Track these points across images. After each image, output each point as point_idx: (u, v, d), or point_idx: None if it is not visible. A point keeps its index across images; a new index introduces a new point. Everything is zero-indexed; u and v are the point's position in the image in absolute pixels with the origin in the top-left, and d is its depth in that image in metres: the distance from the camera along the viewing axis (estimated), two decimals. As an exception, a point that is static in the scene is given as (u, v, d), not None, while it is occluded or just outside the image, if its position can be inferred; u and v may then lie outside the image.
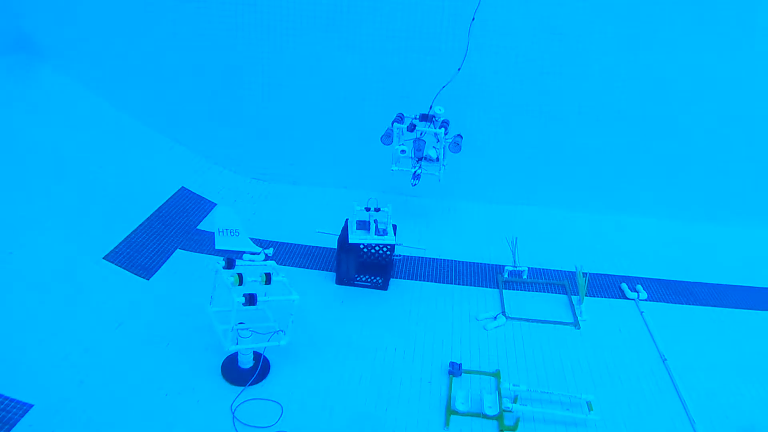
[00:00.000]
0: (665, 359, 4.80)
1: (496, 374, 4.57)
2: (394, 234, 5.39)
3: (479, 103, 6.46)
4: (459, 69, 5.60)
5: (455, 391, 4.37)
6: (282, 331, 4.35)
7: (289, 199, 6.98)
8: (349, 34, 6.33)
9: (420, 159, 5.63)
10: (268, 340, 4.30)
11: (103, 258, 5.38)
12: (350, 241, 5.24)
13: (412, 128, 5.47)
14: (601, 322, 5.29)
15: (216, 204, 6.68)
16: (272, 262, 4.46)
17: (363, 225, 5.38)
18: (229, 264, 4.19)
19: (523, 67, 6.24)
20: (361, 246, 5.48)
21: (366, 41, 6.34)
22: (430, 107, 5.52)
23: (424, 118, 5.52)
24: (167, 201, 6.44)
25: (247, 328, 4.29)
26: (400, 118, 5.56)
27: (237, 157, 7.17)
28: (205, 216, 6.50)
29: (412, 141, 5.63)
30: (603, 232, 6.62)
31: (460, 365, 4.57)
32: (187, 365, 4.45)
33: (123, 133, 6.85)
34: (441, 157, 5.66)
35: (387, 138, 5.59)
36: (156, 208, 6.26)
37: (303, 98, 6.78)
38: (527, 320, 5.23)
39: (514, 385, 4.31)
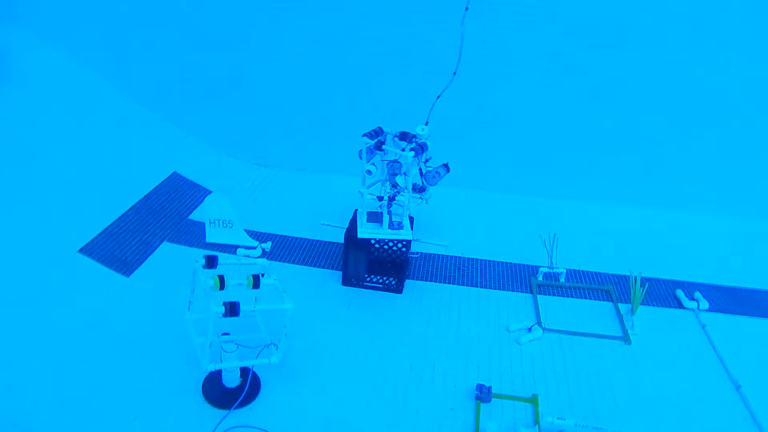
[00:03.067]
0: (740, 386, 3.96)
1: (534, 400, 3.79)
2: (411, 227, 4.62)
3: (512, 80, 5.69)
4: (455, 73, 4.70)
5: (484, 421, 3.62)
6: (274, 344, 3.61)
7: (291, 186, 6.34)
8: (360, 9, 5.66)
9: (394, 186, 4.46)
10: (256, 357, 3.56)
11: (79, 251, 4.76)
12: (359, 235, 4.50)
13: (379, 146, 4.48)
14: (656, 337, 4.49)
15: (211, 192, 6.05)
16: (263, 260, 3.71)
17: (374, 217, 4.64)
18: (210, 263, 3.45)
19: (567, 40, 5.42)
20: (372, 241, 4.71)
21: (379, 17, 5.66)
22: (426, 122, 4.55)
23: (404, 137, 4.57)
24: (156, 187, 5.84)
25: (232, 341, 3.55)
26: (372, 134, 4.50)
27: (236, 140, 6.55)
28: (199, 205, 5.87)
29: (385, 163, 4.56)
30: (654, 230, 5.81)
31: (489, 388, 3.80)
32: (162, 382, 3.79)
33: (109, 109, 6.22)
34: (411, 187, 4.52)
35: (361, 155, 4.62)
36: (143, 195, 5.66)
37: (309, 75, 6.12)
38: (567, 333, 4.45)
39: (558, 419, 3.51)
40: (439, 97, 4.72)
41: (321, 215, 5.59)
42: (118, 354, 3.96)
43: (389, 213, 4.52)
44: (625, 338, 4.42)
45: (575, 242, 5.43)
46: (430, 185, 4.68)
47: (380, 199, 4.49)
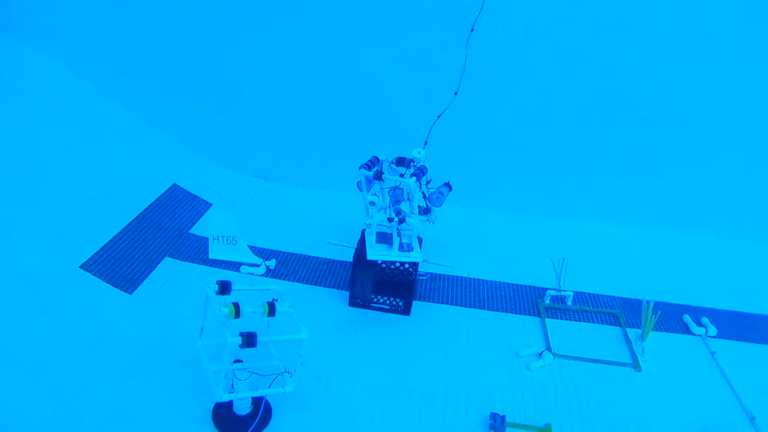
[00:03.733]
0: (753, 418, 3.96)
1: (547, 429, 3.74)
2: (420, 248, 4.55)
3: (517, 96, 5.63)
4: (456, 93, 4.64)
5: (499, 452, 3.56)
6: (288, 372, 3.52)
7: (295, 202, 6.22)
8: (365, 16, 5.55)
9: (398, 213, 4.38)
10: (270, 386, 3.47)
11: (80, 267, 4.63)
12: (369, 257, 4.42)
13: (378, 176, 4.36)
14: (665, 365, 4.46)
15: (212, 204, 5.96)
16: (277, 286, 3.62)
17: (383, 238, 4.55)
18: (223, 289, 3.35)
19: (572, 56, 5.37)
20: (380, 261, 4.64)
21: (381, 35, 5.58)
22: (426, 142, 4.49)
23: (401, 162, 4.46)
24: (156, 200, 5.71)
25: (245, 369, 3.46)
26: (368, 164, 4.37)
27: (236, 152, 6.43)
28: (199, 218, 5.77)
29: (387, 191, 4.50)
30: (661, 252, 5.78)
31: (503, 417, 3.74)
32: (169, 408, 3.68)
33: (108, 122, 6.09)
34: (417, 211, 4.45)
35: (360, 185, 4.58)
36: (143, 209, 5.53)
37: (312, 87, 6.01)
38: (578, 359, 4.40)
39: (576, 453, 3.48)
40: (439, 116, 4.66)
41: (323, 231, 5.52)
42: (123, 376, 3.84)
43: (399, 234, 4.46)
44: (635, 365, 4.40)
45: (582, 263, 5.37)
46: (436, 206, 4.63)
47: (390, 220, 4.43)
